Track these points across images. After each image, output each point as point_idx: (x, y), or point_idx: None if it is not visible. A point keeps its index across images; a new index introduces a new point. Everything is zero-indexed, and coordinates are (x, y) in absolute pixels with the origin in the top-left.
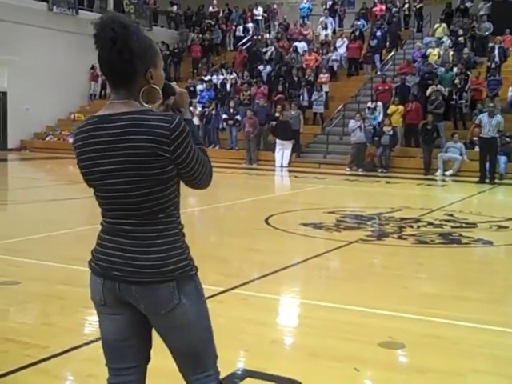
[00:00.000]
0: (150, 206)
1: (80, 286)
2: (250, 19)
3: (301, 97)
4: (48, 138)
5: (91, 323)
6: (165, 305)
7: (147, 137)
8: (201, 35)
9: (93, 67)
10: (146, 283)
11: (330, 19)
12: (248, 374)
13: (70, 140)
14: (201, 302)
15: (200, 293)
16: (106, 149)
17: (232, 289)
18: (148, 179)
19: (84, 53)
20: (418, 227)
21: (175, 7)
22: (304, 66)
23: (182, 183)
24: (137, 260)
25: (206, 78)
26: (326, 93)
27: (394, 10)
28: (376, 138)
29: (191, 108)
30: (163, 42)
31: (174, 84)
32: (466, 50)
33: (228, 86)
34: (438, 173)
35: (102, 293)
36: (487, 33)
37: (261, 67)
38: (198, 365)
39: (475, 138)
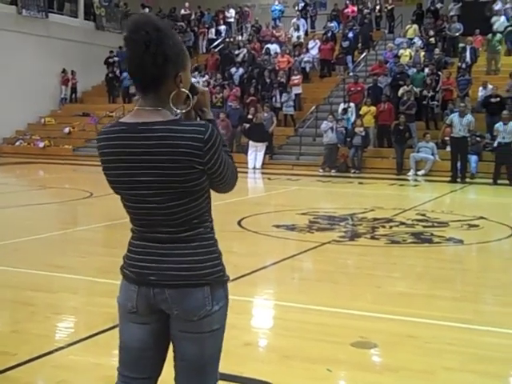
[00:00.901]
0: (182, 216)
1: (50, 292)
2: (222, 21)
3: (273, 99)
4: (18, 143)
5: (61, 329)
6: (198, 311)
7: (181, 150)
8: None
9: (63, 71)
10: (181, 286)
11: (302, 21)
12: (221, 376)
13: (41, 144)
14: (225, 314)
15: (227, 304)
16: (137, 160)
17: None
18: (181, 191)
19: (54, 56)
20: (391, 227)
21: (147, 10)
22: (276, 67)
23: None
24: (172, 263)
25: None
26: (298, 94)
27: (366, 11)
28: (348, 139)
29: None
30: None
31: (196, 83)
32: (436, 51)
33: None
34: (411, 173)
35: (135, 300)
36: (457, 33)
37: (233, 69)
38: (200, 377)
39: (446, 138)
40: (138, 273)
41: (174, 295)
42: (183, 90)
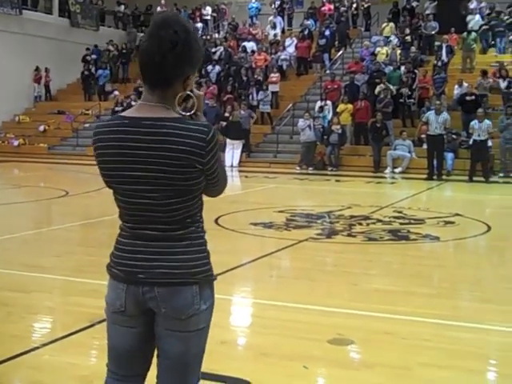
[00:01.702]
0: (177, 215)
1: (26, 292)
2: (198, 19)
3: (250, 96)
4: None
5: (37, 330)
6: (186, 310)
7: (185, 148)
8: None
9: (36, 68)
10: (170, 284)
11: (279, 19)
12: None
13: (15, 143)
14: (211, 313)
15: (214, 304)
16: (138, 154)
17: None
18: (179, 189)
19: (28, 54)
20: (368, 224)
21: (122, 7)
22: (253, 65)
23: None
24: (162, 261)
25: None
26: (275, 92)
27: (343, 9)
28: (325, 137)
29: None
30: (111, 42)
31: (194, 88)
32: (413, 49)
33: None
34: (388, 170)
35: (123, 299)
36: (433, 32)
37: (210, 67)
38: (183, 375)
39: (423, 136)
40: (127, 271)
41: (163, 293)
42: (189, 93)
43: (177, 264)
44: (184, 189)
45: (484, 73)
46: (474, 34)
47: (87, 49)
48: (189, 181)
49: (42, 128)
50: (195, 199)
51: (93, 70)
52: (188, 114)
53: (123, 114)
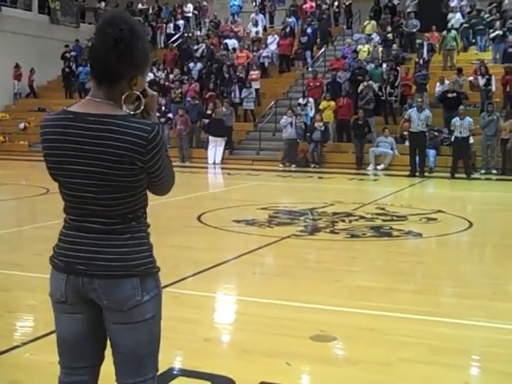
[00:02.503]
0: (118, 210)
1: (5, 291)
2: (180, 16)
3: (232, 94)
4: None
5: (17, 328)
6: (128, 301)
7: (125, 145)
8: None
9: (16, 65)
10: (110, 277)
11: (261, 16)
12: (181, 372)
13: None
14: (158, 303)
15: (160, 294)
16: (81, 149)
17: (164, 287)
18: (119, 185)
19: (7, 50)
20: (350, 221)
21: (103, 4)
22: (235, 63)
23: None
24: (102, 253)
25: None
26: (257, 89)
27: (324, 6)
28: (308, 134)
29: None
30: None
31: (146, 86)
32: (394, 47)
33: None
34: (370, 167)
35: (63, 289)
36: (415, 29)
37: (192, 65)
38: (137, 371)
39: (405, 133)
40: (67, 262)
41: (103, 285)
42: (137, 93)
43: (116, 257)
44: (124, 185)
45: (459, 70)
46: (453, 32)
47: (66, 46)
48: (129, 177)
49: (22, 125)
50: (137, 195)
51: (73, 67)
52: (133, 112)
53: (70, 108)
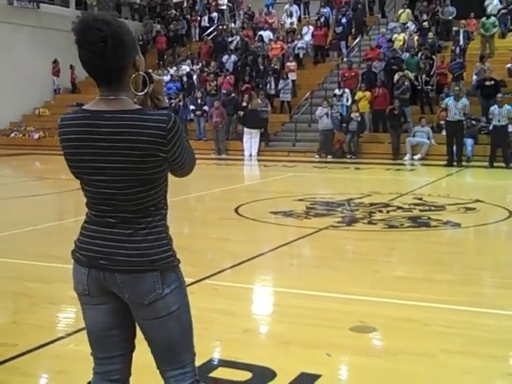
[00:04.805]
0: (142, 203)
1: (48, 283)
2: (214, 9)
3: (267, 85)
4: (13, 135)
5: (60, 320)
6: (148, 295)
7: (146, 138)
8: (165, 26)
9: (55, 61)
10: (130, 271)
11: (295, 7)
12: (220, 363)
13: (36, 136)
14: (182, 294)
15: (182, 285)
16: (102, 146)
17: (203, 279)
18: (143, 178)
19: (46, 47)
20: (388, 212)
21: None
22: (270, 54)
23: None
24: (123, 249)
25: (172, 70)
26: (293, 81)
27: None
28: (344, 125)
29: None
30: None
31: (151, 72)
32: (430, 35)
33: (194, 77)
34: (407, 157)
35: (86, 282)
36: (451, 17)
37: (226, 57)
38: (175, 360)
39: (442, 122)
40: (89, 256)
41: (124, 280)
42: (141, 72)
43: (136, 252)
44: (148, 178)
45: (481, 58)
46: (492, 19)
47: None
48: (152, 169)
49: None
50: (159, 187)
51: None
52: (142, 93)
53: (85, 107)
